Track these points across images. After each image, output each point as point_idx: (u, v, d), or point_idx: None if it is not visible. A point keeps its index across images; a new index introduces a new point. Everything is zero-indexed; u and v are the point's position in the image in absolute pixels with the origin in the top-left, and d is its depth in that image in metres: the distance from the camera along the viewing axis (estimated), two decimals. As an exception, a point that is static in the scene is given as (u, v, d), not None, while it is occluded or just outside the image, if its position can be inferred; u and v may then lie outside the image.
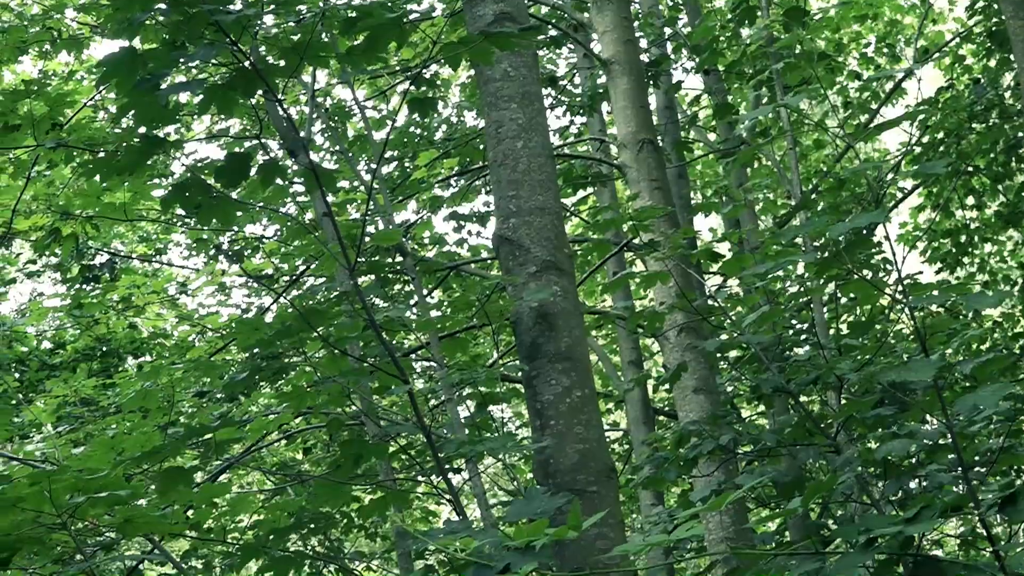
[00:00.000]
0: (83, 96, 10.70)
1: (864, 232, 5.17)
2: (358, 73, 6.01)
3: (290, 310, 5.60)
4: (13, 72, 12.68)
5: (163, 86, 4.41)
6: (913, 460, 5.90)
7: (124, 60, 4.49)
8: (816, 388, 7.01)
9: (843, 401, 6.90)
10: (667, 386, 9.85)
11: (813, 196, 11.37)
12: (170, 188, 4.79)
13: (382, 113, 12.70)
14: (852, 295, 6.97)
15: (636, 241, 9.11)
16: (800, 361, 7.13)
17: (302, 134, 5.84)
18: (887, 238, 4.63)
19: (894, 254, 4.78)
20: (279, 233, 11.68)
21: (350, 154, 10.27)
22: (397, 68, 10.83)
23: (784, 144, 11.22)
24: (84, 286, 16.76)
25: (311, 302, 6.81)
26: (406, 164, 11.87)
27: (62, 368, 15.71)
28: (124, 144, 4.84)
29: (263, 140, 6.90)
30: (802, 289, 7.74)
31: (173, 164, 11.87)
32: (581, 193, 13.18)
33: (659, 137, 9.98)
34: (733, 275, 7.69)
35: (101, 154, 7.72)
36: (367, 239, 6.06)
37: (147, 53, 4.54)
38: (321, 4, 4.80)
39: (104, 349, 15.72)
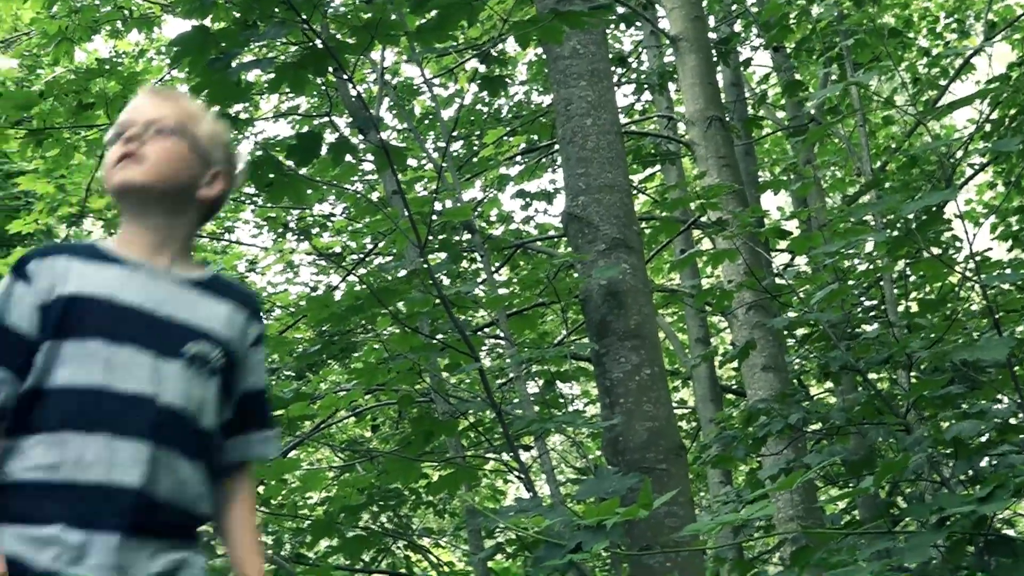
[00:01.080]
0: (154, 75, 10.79)
1: (934, 209, 5.12)
2: (427, 52, 6.03)
3: (360, 287, 5.63)
4: (85, 51, 12.78)
5: (234, 65, 4.45)
6: (984, 439, 5.85)
7: (196, 39, 4.53)
8: (886, 366, 6.96)
9: (913, 380, 6.84)
10: (735, 363, 9.80)
11: (883, 174, 11.27)
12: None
13: (450, 91, 12.71)
14: (922, 273, 6.91)
15: (704, 219, 9.09)
16: (869, 339, 7.07)
17: (371, 112, 5.86)
18: (958, 215, 4.60)
19: (965, 231, 4.74)
20: (347, 211, 11.72)
21: (418, 132, 10.28)
22: (465, 46, 10.82)
23: (852, 122, 11.13)
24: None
25: (381, 279, 6.84)
26: (474, 142, 11.87)
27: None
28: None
29: (332, 118, 6.94)
30: (871, 267, 7.67)
31: (244, 142, 11.93)
32: (649, 170, 13.12)
33: (727, 114, 9.93)
34: (802, 253, 7.64)
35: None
36: (436, 216, 6.08)
37: (218, 32, 4.57)
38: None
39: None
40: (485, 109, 11.86)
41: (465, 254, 9.35)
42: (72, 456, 2.46)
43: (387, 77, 10.99)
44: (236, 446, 2.77)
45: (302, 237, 11.97)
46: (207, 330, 2.67)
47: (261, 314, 2.87)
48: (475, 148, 11.72)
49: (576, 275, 6.14)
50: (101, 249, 2.68)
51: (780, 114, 13.66)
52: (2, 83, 16.43)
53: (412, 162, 10.57)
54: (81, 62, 12.80)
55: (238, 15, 4.77)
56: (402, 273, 5.54)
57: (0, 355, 2.54)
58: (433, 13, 4.57)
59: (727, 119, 9.55)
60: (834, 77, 10.97)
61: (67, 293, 2.56)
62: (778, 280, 7.62)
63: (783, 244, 8.82)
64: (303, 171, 5.04)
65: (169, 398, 2.56)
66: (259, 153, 4.92)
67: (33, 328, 2.55)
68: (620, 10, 11.22)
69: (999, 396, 5.89)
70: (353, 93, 5.46)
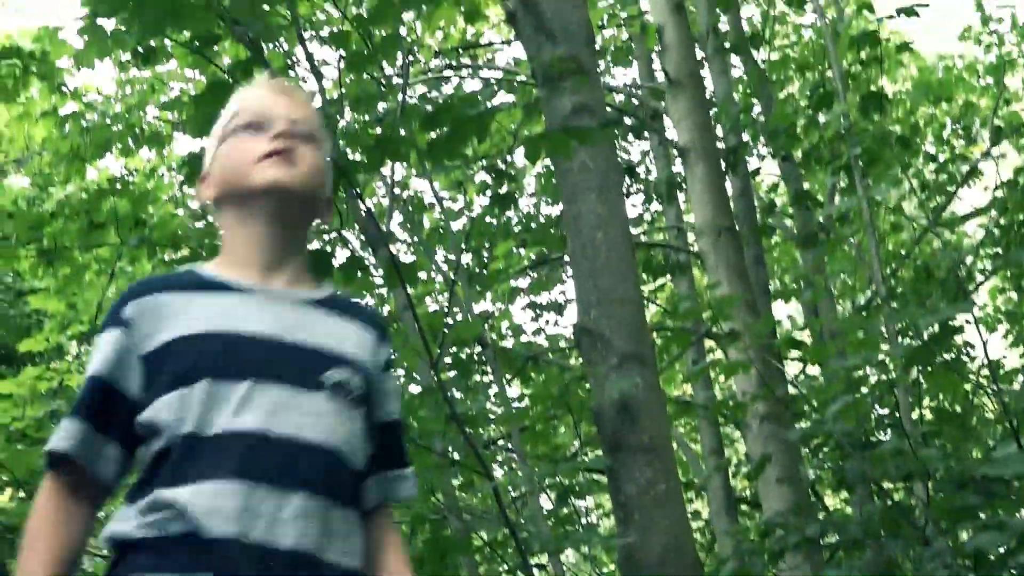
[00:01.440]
0: (164, 192, 10.85)
1: (949, 321, 5.10)
2: (439, 170, 6.04)
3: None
4: (96, 168, 12.87)
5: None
6: (1004, 551, 5.77)
7: (211, 96, 4.53)
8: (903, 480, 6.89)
9: (930, 490, 6.77)
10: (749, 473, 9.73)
11: (894, 281, 11.26)
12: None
13: (459, 204, 12.75)
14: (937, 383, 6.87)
15: (716, 329, 9.06)
16: (885, 450, 7.01)
17: (382, 228, 5.86)
18: (970, 321, 4.57)
19: (980, 337, 4.72)
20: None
21: (428, 246, 10.29)
22: (475, 158, 10.87)
23: (861, 229, 11.13)
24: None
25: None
26: (484, 255, 11.89)
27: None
28: (207, 240, 4.87)
29: (343, 233, 6.95)
30: (886, 378, 7.63)
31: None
32: (659, 281, 13.12)
33: (736, 224, 9.94)
34: (816, 363, 7.61)
35: (184, 252, 7.83)
36: (447, 331, 6.06)
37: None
38: (400, 100, 4.83)
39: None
40: (495, 221, 11.88)
41: (477, 367, 9.32)
42: (221, 509, 2.17)
43: (396, 191, 11.04)
44: (375, 486, 2.52)
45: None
46: (343, 354, 2.42)
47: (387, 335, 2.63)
48: (485, 260, 11.74)
49: (589, 387, 6.11)
50: (204, 276, 2.46)
51: (788, 221, 13.68)
52: (14, 202, 16.54)
53: (422, 274, 10.58)
54: (92, 180, 12.88)
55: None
56: (414, 389, 5.51)
57: (111, 426, 2.32)
58: (444, 130, 4.57)
59: (737, 228, 9.55)
60: (842, 185, 11.00)
61: (176, 335, 2.33)
62: (792, 390, 7.58)
63: (796, 352, 8.78)
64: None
65: (318, 437, 2.31)
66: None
67: (139, 386, 2.31)
68: (628, 121, 11.29)
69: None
70: (364, 209, 5.45)
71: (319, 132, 2.60)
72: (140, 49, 7.08)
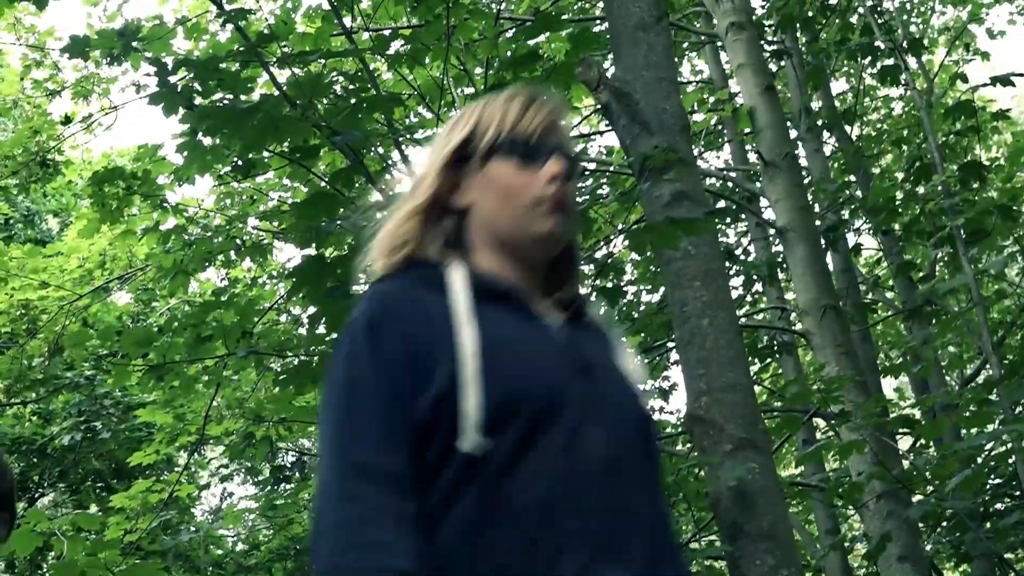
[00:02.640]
0: (268, 300, 10.95)
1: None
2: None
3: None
4: (198, 280, 13.03)
5: (352, 291, 4.46)
6: None
7: (312, 269, 4.57)
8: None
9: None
10: (866, 551, 9.58)
11: (1004, 355, 11.09)
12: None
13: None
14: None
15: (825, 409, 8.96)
16: (1006, 523, 6.89)
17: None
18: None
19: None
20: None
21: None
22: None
23: (965, 297, 11.00)
24: (276, 487, 16.96)
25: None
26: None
27: (258, 570, 15.86)
28: (315, 350, 4.89)
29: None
30: (1004, 449, 7.50)
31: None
32: (765, 362, 13.01)
33: (840, 301, 9.85)
34: (931, 439, 7.50)
35: (290, 358, 7.88)
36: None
37: (334, 261, 4.61)
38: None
39: (298, 548, 15.83)
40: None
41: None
42: None
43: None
44: None
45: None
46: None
47: None
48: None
49: (703, 475, 6.05)
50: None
51: (889, 294, 13.55)
52: (119, 318, 16.79)
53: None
54: (194, 292, 13.04)
55: (352, 241, 4.81)
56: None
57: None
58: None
59: (840, 306, 9.46)
60: (944, 257, 10.88)
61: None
62: (905, 463, 7.46)
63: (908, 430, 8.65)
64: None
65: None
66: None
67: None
68: (723, 204, 11.26)
69: None
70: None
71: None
72: (239, 162, 7.18)
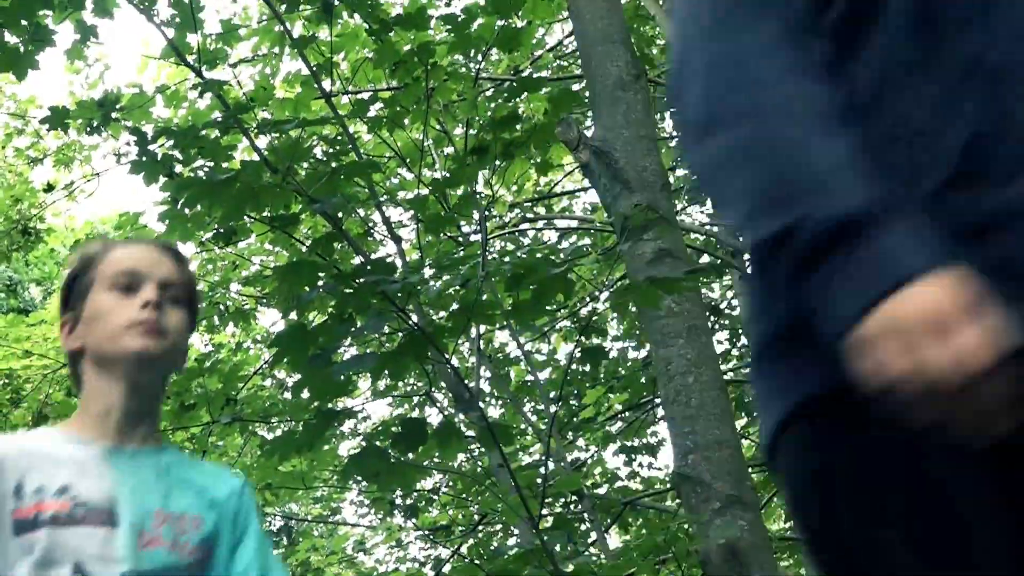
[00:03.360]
0: (252, 365, 10.92)
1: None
2: (525, 330, 6.04)
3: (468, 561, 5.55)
4: (181, 348, 12.97)
5: (335, 358, 4.45)
6: None
7: (294, 336, 4.55)
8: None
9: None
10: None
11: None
12: (347, 460, 4.80)
13: (544, 353, 12.74)
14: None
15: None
16: None
17: (470, 384, 5.86)
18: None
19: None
20: (453, 484, 11.69)
21: (518, 401, 10.28)
22: (556, 308, 10.88)
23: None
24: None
25: (489, 554, 6.74)
26: (572, 404, 11.85)
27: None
28: (300, 420, 4.87)
29: (432, 393, 6.94)
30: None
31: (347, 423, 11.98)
32: (751, 417, 12.99)
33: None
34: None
35: (275, 425, 7.86)
36: (543, 483, 6.01)
37: (317, 328, 4.59)
38: (481, 263, 4.84)
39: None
40: (584, 369, 11.88)
41: (576, 519, 9.24)
42: None
43: (481, 345, 11.07)
44: None
45: (409, 514, 11.92)
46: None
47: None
48: (574, 408, 11.70)
49: (691, 531, 6.02)
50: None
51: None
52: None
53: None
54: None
55: (333, 308, 4.80)
56: (513, 547, 5.45)
57: None
58: (529, 290, 4.57)
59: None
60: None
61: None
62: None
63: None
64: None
65: None
66: (364, 444, 4.89)
67: None
68: (706, 258, 11.28)
69: None
70: (451, 372, 5.45)
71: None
72: (220, 229, 7.18)
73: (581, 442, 12.29)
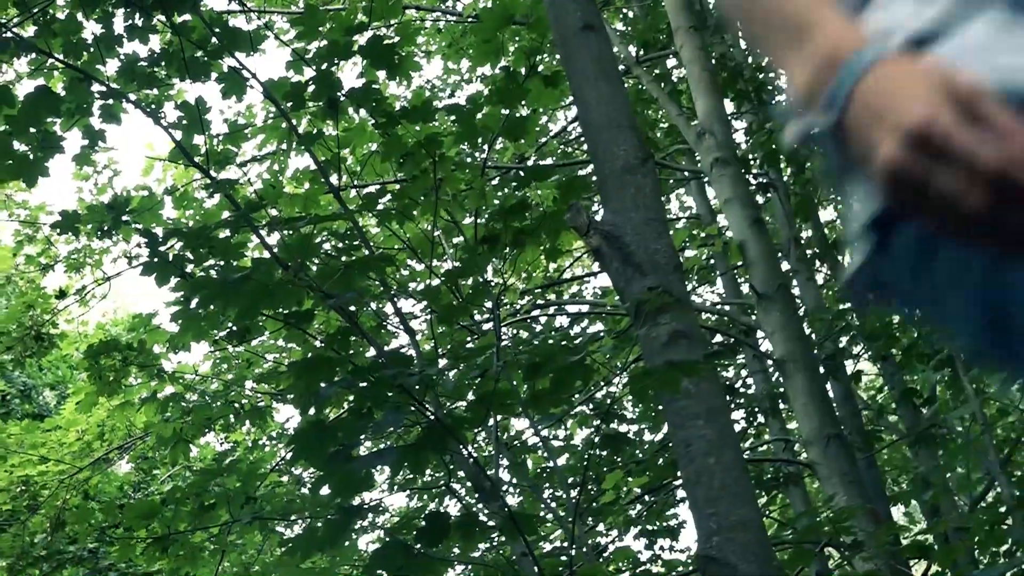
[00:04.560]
0: (269, 461, 10.89)
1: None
2: (545, 421, 6.02)
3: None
4: (197, 446, 12.97)
5: (355, 454, 4.43)
6: None
7: (313, 434, 4.52)
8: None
9: None
10: None
11: (1011, 472, 11.04)
12: (371, 556, 4.76)
13: (561, 440, 12.69)
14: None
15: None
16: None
17: (490, 472, 5.82)
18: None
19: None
20: (472, 575, 11.61)
21: (538, 488, 10.23)
22: (574, 395, 10.86)
23: (969, 418, 10.96)
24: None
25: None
26: (591, 488, 11.79)
27: None
28: (322, 516, 4.83)
29: (452, 485, 6.91)
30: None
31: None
32: (771, 495, 12.92)
33: (843, 429, 9.80)
34: (946, 566, 7.43)
35: (294, 519, 7.81)
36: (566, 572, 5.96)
37: (335, 424, 4.57)
38: (496, 352, 4.83)
39: None
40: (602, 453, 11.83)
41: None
42: None
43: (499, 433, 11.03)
44: None
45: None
46: None
47: None
48: (592, 493, 11.64)
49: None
50: None
51: (892, 418, 13.49)
52: (120, 488, 16.68)
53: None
54: (195, 456, 12.96)
55: (351, 402, 4.79)
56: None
57: None
58: (547, 379, 4.56)
59: (845, 434, 9.41)
60: (943, 379, 10.85)
61: None
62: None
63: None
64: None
65: None
66: (385, 539, 4.86)
67: None
68: (720, 338, 11.26)
69: None
70: (472, 463, 5.43)
71: None
72: (234, 328, 7.19)
73: (601, 527, 12.22)
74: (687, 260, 13.09)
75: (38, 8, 7.47)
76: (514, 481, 11.37)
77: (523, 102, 7.95)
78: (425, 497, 12.11)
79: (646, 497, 11.59)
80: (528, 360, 4.45)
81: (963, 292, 1.44)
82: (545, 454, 11.03)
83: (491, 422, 6.93)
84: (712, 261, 13.82)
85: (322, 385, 4.58)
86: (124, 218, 7.71)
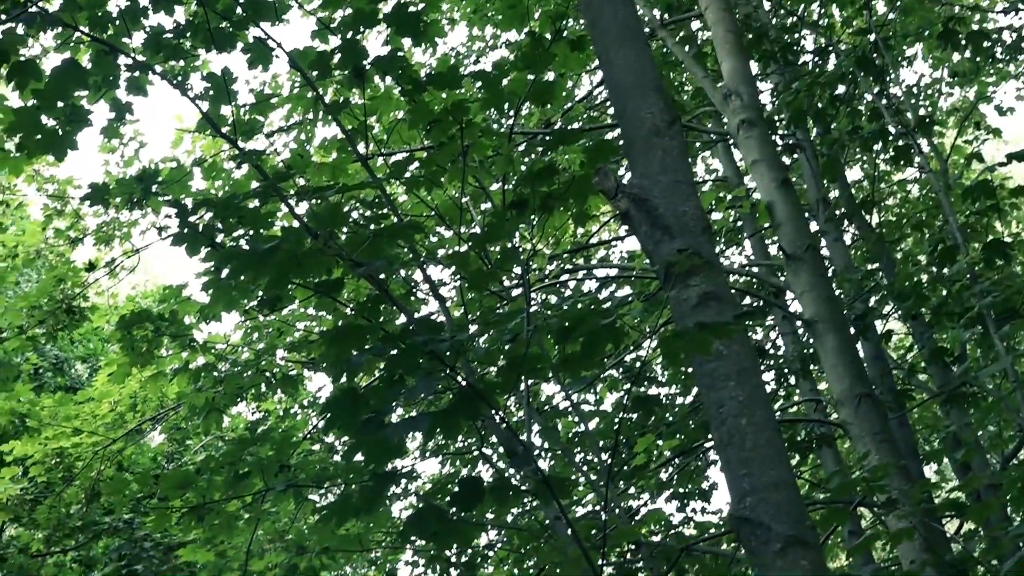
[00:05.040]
0: (301, 429, 10.93)
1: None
2: (576, 384, 6.03)
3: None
4: (229, 416, 13.02)
5: (388, 421, 4.44)
6: None
7: (346, 402, 4.54)
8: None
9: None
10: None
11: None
12: (405, 522, 4.78)
13: (591, 404, 12.69)
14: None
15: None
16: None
17: (522, 437, 5.83)
18: None
19: None
20: (506, 540, 11.64)
21: (570, 452, 10.25)
22: (604, 358, 10.86)
23: (1000, 376, 10.91)
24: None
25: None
26: (622, 451, 11.80)
27: None
28: (355, 483, 4.85)
29: (484, 451, 6.93)
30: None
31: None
32: (803, 456, 12.91)
33: (874, 389, 9.78)
34: (980, 522, 7.42)
35: (328, 486, 7.85)
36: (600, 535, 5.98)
37: (367, 392, 4.59)
38: (526, 316, 4.83)
39: None
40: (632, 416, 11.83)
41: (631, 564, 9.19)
42: None
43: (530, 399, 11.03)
44: None
45: (466, 571, 11.86)
46: None
47: None
48: (624, 456, 11.65)
49: (752, 574, 5.98)
50: None
51: (923, 376, 13.46)
52: (154, 459, 16.78)
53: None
54: (226, 426, 13.03)
55: (382, 370, 4.79)
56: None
57: None
58: (578, 342, 4.56)
59: (875, 394, 9.39)
60: (974, 338, 10.81)
61: None
62: (954, 548, 7.38)
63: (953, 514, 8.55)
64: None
65: None
66: (418, 504, 4.88)
67: None
68: (749, 300, 11.24)
69: None
70: (504, 428, 5.45)
71: None
72: (264, 297, 7.21)
73: (633, 490, 12.24)
74: (715, 223, 13.06)
75: (63, -18, 7.48)
76: (546, 445, 11.39)
77: (549, 67, 7.94)
78: (457, 463, 12.15)
79: (677, 460, 11.60)
80: (559, 324, 4.45)
81: None
82: (576, 418, 11.05)
83: (522, 387, 6.95)
84: (740, 223, 13.79)
85: (353, 353, 4.59)
86: (153, 190, 7.73)
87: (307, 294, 7.75)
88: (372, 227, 5.85)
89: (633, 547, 7.75)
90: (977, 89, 16.24)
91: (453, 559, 11.93)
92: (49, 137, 7.31)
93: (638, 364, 11.21)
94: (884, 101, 11.66)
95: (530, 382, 7.29)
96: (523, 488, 5.77)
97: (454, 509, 4.72)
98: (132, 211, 9.06)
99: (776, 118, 11.93)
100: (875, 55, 11.12)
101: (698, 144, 14.26)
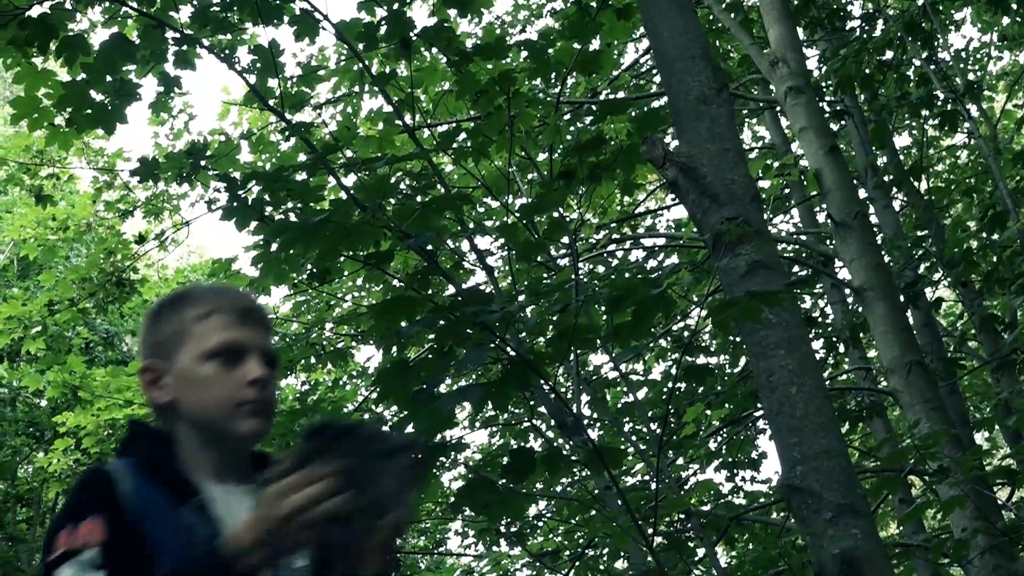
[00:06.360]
0: (350, 400, 10.98)
1: None
2: (625, 354, 6.02)
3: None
4: (279, 387, 13.08)
5: (438, 392, 4.46)
6: None
7: (396, 373, 4.56)
8: None
9: None
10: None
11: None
12: (457, 493, 4.80)
13: (639, 375, 12.69)
14: None
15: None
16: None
17: (573, 408, 5.85)
18: None
19: None
20: (559, 510, 11.67)
21: (619, 422, 10.24)
22: (652, 328, 10.84)
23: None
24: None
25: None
26: (671, 421, 11.80)
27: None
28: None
29: (534, 423, 6.94)
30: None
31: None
32: (853, 424, 12.87)
33: (924, 356, 9.74)
34: (1032, 489, 7.40)
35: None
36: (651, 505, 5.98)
37: (418, 363, 4.60)
38: (575, 286, 4.83)
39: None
40: (681, 386, 11.82)
41: (682, 533, 9.20)
42: None
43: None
44: None
45: (516, 542, 11.91)
46: None
47: None
48: (673, 426, 11.65)
49: (803, 543, 5.97)
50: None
51: (972, 344, 13.39)
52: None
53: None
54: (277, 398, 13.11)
55: (432, 341, 4.81)
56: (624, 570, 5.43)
57: None
58: (629, 312, 4.56)
59: (926, 362, 9.35)
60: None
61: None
62: (1006, 515, 7.35)
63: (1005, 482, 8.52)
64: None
65: None
66: (469, 476, 4.90)
67: None
68: (797, 269, 11.19)
69: None
70: (554, 399, 5.45)
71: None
72: (314, 270, 7.23)
73: (682, 460, 12.24)
74: (763, 191, 13.00)
75: (110, -43, 7.51)
76: (595, 416, 11.40)
77: (596, 36, 7.91)
78: (506, 434, 12.17)
79: (726, 429, 11.59)
80: (608, 294, 4.44)
81: None
82: (625, 388, 11.04)
83: (571, 357, 6.95)
84: (788, 191, 13.73)
85: (403, 324, 4.60)
86: (202, 163, 7.76)
87: (356, 266, 7.76)
88: (420, 199, 5.86)
89: (683, 517, 7.74)
90: (1027, 53, 16.12)
91: (503, 529, 11.98)
92: (98, 111, 7.35)
93: (687, 333, 11.19)
94: (932, 66, 11.58)
95: (579, 352, 7.30)
96: (573, 458, 5.78)
97: (504, 480, 4.74)
98: (181, 185, 9.08)
99: (823, 84, 11.85)
100: (923, 20, 11.04)
101: (745, 112, 14.19)
